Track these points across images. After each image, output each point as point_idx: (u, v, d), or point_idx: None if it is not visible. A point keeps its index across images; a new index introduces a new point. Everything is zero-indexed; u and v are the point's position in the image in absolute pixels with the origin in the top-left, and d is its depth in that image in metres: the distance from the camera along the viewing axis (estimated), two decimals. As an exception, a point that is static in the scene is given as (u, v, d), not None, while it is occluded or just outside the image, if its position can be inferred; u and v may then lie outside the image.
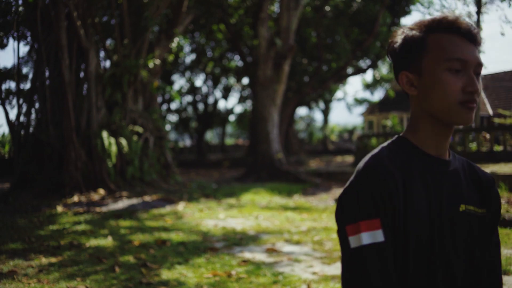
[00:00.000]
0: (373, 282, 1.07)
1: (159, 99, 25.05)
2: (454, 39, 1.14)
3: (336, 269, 4.81)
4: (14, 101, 11.88)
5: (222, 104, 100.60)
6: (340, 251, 1.14)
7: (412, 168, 1.16)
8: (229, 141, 50.52)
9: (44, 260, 4.98)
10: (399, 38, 1.21)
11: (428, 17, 1.21)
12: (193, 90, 32.49)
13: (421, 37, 1.17)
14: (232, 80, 32.19)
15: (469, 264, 1.20)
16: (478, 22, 17.16)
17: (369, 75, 65.14)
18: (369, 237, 1.08)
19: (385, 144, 1.23)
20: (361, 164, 1.16)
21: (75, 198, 9.49)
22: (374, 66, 23.34)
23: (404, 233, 1.11)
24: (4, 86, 12.00)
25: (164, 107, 30.84)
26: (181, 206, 9.30)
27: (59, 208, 8.46)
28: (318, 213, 8.51)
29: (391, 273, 1.09)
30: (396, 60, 1.22)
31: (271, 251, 5.58)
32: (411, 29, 1.20)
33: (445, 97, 1.13)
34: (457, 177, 1.22)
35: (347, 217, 1.11)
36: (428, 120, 1.18)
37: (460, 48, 1.13)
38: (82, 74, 11.68)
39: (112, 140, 10.79)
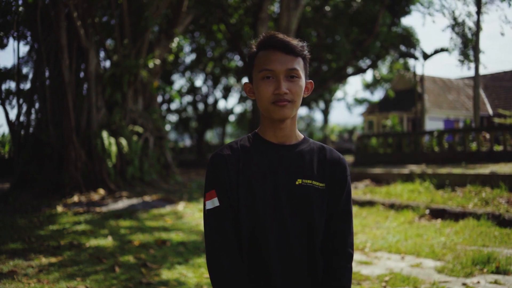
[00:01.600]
0: (213, 237, 1.44)
1: (159, 99, 25.04)
2: (269, 53, 1.44)
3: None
4: (14, 101, 11.88)
5: (222, 104, 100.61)
6: None
7: (251, 153, 1.51)
8: (229, 141, 50.53)
9: (44, 260, 4.98)
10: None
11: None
12: (193, 90, 32.49)
13: (255, 54, 1.49)
14: (232, 80, 32.20)
15: (306, 227, 1.48)
16: (478, 22, 17.15)
17: (369, 75, 65.09)
18: (210, 203, 1.45)
19: (241, 137, 1.57)
20: None
21: (75, 198, 9.49)
22: (374, 66, 23.33)
23: (238, 200, 1.45)
24: (4, 86, 12.00)
25: (164, 107, 30.84)
26: (181, 206, 9.31)
27: (59, 208, 8.46)
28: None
29: (227, 230, 1.44)
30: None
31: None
32: (252, 46, 1.51)
33: (262, 100, 1.45)
34: (299, 158, 1.52)
35: (204, 192, 1.49)
36: (264, 117, 1.52)
37: (269, 60, 1.43)
38: (82, 74, 11.68)
39: (112, 140, 10.79)
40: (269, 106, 1.45)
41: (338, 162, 1.57)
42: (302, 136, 1.60)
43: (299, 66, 1.47)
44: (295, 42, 1.47)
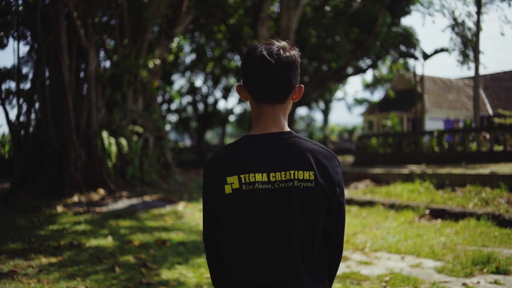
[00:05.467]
0: None
1: (159, 99, 25.05)
2: None
3: (336, 269, 4.81)
4: (14, 101, 11.89)
5: (222, 104, 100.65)
6: None
7: None
8: (229, 141, 50.52)
9: (44, 260, 4.98)
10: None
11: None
12: (193, 90, 32.47)
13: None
14: (232, 80, 32.18)
15: None
16: (478, 22, 17.15)
17: (369, 75, 65.11)
18: None
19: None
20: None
21: (75, 198, 9.49)
22: (374, 66, 23.33)
23: None
24: (4, 86, 12.00)
25: (164, 107, 30.82)
26: (181, 206, 9.30)
27: (59, 208, 8.46)
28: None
29: None
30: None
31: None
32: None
33: None
34: None
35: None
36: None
37: None
38: (82, 74, 11.67)
39: (112, 140, 10.79)
40: None
41: None
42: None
43: None
44: None
